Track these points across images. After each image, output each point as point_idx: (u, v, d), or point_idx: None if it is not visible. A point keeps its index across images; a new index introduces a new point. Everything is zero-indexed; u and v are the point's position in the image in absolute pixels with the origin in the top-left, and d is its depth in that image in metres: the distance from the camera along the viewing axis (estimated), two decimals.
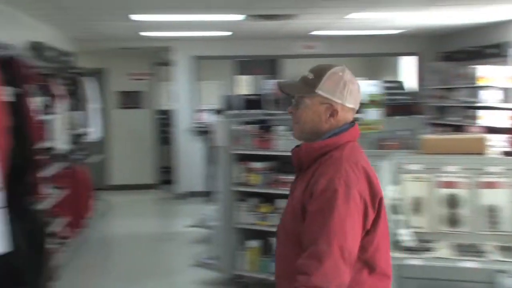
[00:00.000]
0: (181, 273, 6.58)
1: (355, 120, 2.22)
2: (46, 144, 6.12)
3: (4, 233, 3.95)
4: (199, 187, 10.45)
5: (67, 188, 7.05)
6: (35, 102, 5.53)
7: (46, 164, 6.08)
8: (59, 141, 6.74)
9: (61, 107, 6.89)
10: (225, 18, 8.07)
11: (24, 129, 4.74)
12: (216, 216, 6.23)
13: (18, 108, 4.68)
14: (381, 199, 2.07)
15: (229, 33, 9.81)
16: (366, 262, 2.06)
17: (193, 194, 10.66)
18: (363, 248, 2.03)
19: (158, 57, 11.76)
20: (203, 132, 10.10)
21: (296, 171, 2.23)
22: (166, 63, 11.37)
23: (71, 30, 9.17)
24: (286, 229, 2.16)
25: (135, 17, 7.81)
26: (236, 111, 6.53)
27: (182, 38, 10.47)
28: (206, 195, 9.18)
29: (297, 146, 2.23)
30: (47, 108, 6.31)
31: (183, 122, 10.90)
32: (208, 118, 10.40)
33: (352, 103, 2.15)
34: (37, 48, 7.28)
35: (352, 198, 1.98)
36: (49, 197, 6.17)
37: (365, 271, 2.07)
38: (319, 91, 2.12)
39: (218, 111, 7.61)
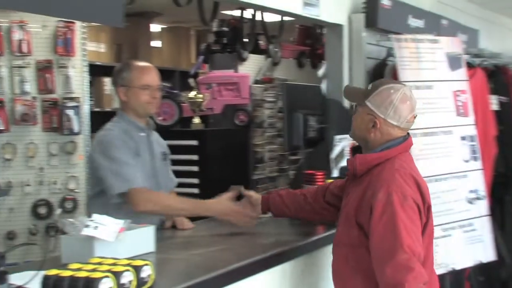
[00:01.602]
0: None
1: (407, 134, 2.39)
2: None
3: (489, 241, 3.97)
4: None
5: None
6: None
7: None
8: None
9: None
10: None
11: (509, 138, 4.68)
12: None
13: (503, 117, 4.65)
14: (429, 207, 2.28)
15: None
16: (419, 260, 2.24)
17: None
18: None
19: None
20: None
21: (350, 178, 2.45)
22: None
23: None
24: (339, 240, 2.36)
25: None
26: None
27: None
28: None
29: (356, 151, 2.48)
30: None
31: None
32: None
33: (395, 121, 2.31)
34: None
35: (409, 205, 2.19)
36: None
37: None
38: (367, 102, 2.33)
39: None
